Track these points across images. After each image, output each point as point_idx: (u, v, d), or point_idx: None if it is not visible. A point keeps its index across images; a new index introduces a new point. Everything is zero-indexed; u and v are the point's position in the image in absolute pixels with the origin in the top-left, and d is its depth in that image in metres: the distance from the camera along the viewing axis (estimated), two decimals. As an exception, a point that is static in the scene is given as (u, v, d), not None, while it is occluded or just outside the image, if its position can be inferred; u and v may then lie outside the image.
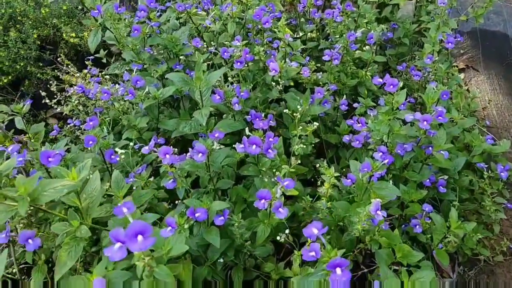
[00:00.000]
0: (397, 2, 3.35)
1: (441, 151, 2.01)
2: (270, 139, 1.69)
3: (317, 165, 2.52)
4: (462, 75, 4.48)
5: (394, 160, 1.97)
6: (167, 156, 1.54)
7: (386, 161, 1.69)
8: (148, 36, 2.38)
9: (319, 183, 2.42)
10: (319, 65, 3.15)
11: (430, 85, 2.25)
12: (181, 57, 2.42)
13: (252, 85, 2.61)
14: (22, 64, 4.00)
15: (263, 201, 1.46)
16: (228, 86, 2.26)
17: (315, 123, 2.01)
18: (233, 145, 2.19)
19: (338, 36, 2.98)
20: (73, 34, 4.17)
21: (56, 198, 1.26)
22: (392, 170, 2.16)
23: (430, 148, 2.05)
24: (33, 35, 4.12)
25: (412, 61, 3.71)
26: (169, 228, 1.39)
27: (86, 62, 2.97)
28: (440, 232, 1.88)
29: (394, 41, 3.59)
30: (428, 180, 2.17)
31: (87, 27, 4.01)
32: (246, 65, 2.25)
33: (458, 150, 2.55)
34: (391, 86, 1.73)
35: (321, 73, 2.89)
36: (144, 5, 2.29)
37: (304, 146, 2.09)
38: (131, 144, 2.15)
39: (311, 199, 2.03)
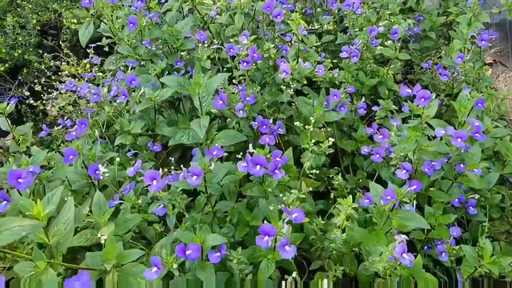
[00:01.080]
0: (424, -8, 3.03)
1: (475, 170, 1.75)
2: (278, 159, 1.45)
3: (331, 175, 2.30)
4: (489, 71, 4.14)
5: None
6: (154, 182, 1.31)
7: (414, 187, 1.44)
8: (146, 28, 2.13)
9: (332, 195, 2.19)
10: (335, 60, 2.87)
11: (463, 91, 1.97)
12: (182, 53, 2.18)
13: (261, 85, 2.37)
14: (20, 52, 3.79)
15: (266, 237, 1.23)
16: (233, 87, 2.02)
17: (330, 139, 1.75)
18: (238, 155, 1.97)
19: (357, 30, 2.69)
20: (75, 20, 3.93)
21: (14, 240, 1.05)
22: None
23: (462, 165, 1.79)
24: (33, 20, 3.89)
25: (437, 56, 3.42)
26: (155, 269, 1.17)
27: (88, 50, 2.73)
28: (471, 265, 1.64)
29: (418, 34, 3.28)
30: (457, 199, 1.92)
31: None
32: (254, 64, 2.00)
33: (487, 158, 2.29)
34: (422, 99, 1.47)
35: (337, 70, 2.61)
36: (141, -6, 2.04)
37: (317, 156, 1.85)
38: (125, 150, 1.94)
39: (323, 222, 1.80)
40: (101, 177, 1.48)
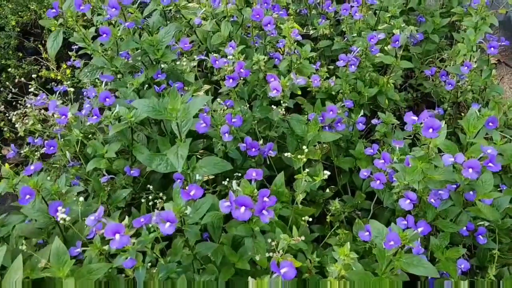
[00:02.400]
0: (426, -8, 2.83)
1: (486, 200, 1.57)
2: (265, 199, 1.26)
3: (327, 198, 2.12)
4: (493, 72, 3.93)
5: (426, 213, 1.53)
6: (117, 236, 1.11)
7: (420, 229, 1.25)
8: (124, 36, 1.93)
9: (328, 218, 2.01)
10: (331, 67, 2.68)
11: (472, 108, 1.79)
12: (163, 65, 1.97)
13: (251, 98, 2.17)
14: (-3, 56, 3.57)
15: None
16: (218, 104, 1.83)
17: (325, 172, 1.56)
18: (224, 181, 1.79)
19: (355, 35, 2.50)
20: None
21: None
22: (420, 215, 1.73)
23: (472, 192, 1.61)
24: (11, 21, 3.66)
25: (440, 58, 3.22)
26: None
27: (70, 53, 2.50)
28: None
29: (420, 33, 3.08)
30: (465, 227, 1.74)
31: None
32: (242, 79, 1.80)
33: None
34: (431, 130, 1.28)
35: (334, 78, 2.42)
36: (115, 1, 1.83)
37: (310, 181, 1.66)
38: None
39: (319, 256, 1.62)
40: (60, 221, 1.29)
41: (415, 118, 1.36)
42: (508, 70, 3.96)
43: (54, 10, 1.75)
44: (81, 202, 1.37)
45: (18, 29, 3.73)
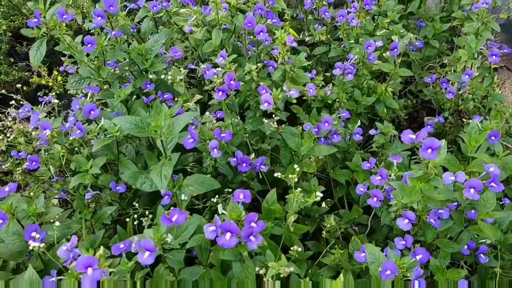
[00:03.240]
0: (426, -4, 2.75)
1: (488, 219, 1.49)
2: (253, 224, 1.18)
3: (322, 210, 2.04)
4: (494, 79, 3.85)
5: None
6: (90, 271, 1.03)
7: (419, 257, 1.17)
8: (110, 47, 1.85)
9: (324, 234, 1.93)
10: (328, 74, 2.60)
11: (474, 120, 1.71)
12: (151, 75, 1.89)
13: (243, 108, 2.09)
14: (-14, 61, 3.49)
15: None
16: (209, 115, 1.75)
17: (318, 193, 1.48)
18: (214, 198, 1.71)
19: (353, 41, 2.41)
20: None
21: None
22: (420, 234, 1.65)
23: (473, 211, 1.53)
24: (2, 26, 3.58)
25: (440, 62, 3.14)
26: None
27: (62, 59, 2.41)
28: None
29: (420, 39, 3.00)
30: (466, 246, 1.66)
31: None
32: (232, 91, 1.72)
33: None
34: (429, 150, 1.20)
35: (330, 86, 2.34)
36: (101, 10, 1.75)
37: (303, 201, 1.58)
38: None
39: (312, 274, 1.54)
40: (35, 248, 1.21)
41: (413, 136, 1.28)
42: (510, 74, 3.88)
43: (35, 20, 1.67)
44: (57, 227, 1.29)
45: (10, 34, 3.66)
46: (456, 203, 1.50)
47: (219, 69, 1.70)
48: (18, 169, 1.96)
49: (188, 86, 2.44)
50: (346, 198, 2.23)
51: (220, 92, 1.67)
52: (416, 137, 1.27)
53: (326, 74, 2.59)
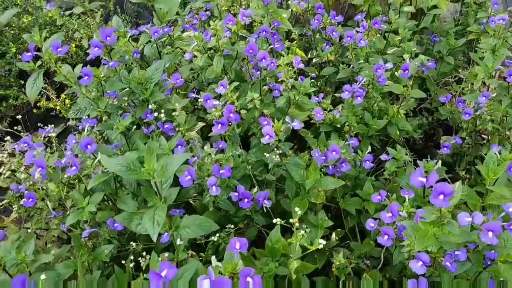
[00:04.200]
0: (438, 12, 2.63)
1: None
2: (248, 279, 1.10)
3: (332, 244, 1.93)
4: None
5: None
6: None
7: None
8: (106, 78, 1.80)
9: (334, 270, 1.82)
10: (338, 94, 2.50)
11: (491, 149, 1.59)
12: (150, 106, 1.83)
13: (248, 133, 2.02)
14: (-4, 84, 3.50)
15: None
16: (209, 148, 1.67)
17: (321, 241, 1.39)
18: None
19: (362, 61, 2.32)
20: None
21: None
22: (435, 275, 1.53)
23: (493, 251, 1.41)
24: (12, 48, 3.60)
25: (456, 77, 3.01)
26: None
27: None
28: None
29: (434, 55, 2.88)
30: None
31: (76, 38, 3.39)
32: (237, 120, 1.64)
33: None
34: (441, 197, 1.10)
35: (339, 108, 2.25)
36: (98, 40, 1.70)
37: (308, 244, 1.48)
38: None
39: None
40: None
41: (423, 180, 1.18)
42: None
43: (29, 54, 1.63)
44: (43, 281, 1.23)
45: (20, 56, 3.67)
46: (473, 245, 1.39)
47: (217, 102, 1.62)
48: (20, 202, 1.92)
49: (194, 109, 2.38)
50: (358, 227, 2.13)
51: (219, 125, 1.60)
52: (427, 180, 1.16)
53: (336, 94, 2.50)
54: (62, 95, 3.20)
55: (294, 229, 1.34)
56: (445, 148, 2.35)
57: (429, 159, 2.35)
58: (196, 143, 1.74)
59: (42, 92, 3.47)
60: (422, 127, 2.78)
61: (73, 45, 3.68)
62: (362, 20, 2.25)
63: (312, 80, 2.50)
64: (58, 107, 3.15)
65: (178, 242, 1.36)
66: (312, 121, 2.14)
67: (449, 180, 2.25)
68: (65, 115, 3.11)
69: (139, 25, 4.21)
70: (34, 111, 3.46)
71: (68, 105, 3.16)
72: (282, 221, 1.47)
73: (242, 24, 1.86)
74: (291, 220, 1.36)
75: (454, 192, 1.10)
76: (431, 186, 1.21)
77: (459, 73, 3.08)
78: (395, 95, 2.63)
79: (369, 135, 2.27)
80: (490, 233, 1.23)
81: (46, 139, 2.01)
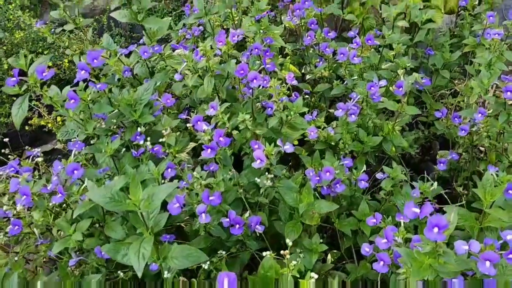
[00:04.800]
0: (432, 26, 2.60)
1: None
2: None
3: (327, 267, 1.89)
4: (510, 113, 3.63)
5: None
6: None
7: None
8: (95, 100, 1.77)
9: None
10: (332, 109, 2.47)
11: (488, 171, 1.55)
12: (140, 129, 1.79)
13: (240, 152, 1.98)
14: (-14, 102, 3.46)
15: None
16: (198, 174, 1.63)
17: (313, 275, 1.34)
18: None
19: (356, 77, 2.28)
20: (50, 63, 3.60)
21: None
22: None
23: (491, 278, 1.36)
24: (4, 65, 3.56)
25: (452, 90, 2.98)
26: None
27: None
28: None
29: (429, 68, 2.85)
30: (485, 312, 1.49)
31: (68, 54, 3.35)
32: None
33: None
34: (436, 229, 1.05)
35: (334, 124, 2.21)
36: (84, 63, 1.67)
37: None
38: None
39: None
40: None
41: (417, 210, 1.14)
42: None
43: (14, 79, 1.60)
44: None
45: (12, 73, 3.63)
46: (471, 272, 1.34)
47: (206, 127, 1.58)
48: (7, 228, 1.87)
49: (186, 126, 2.34)
50: (354, 247, 2.08)
51: (209, 150, 1.56)
52: (421, 211, 1.12)
53: (330, 110, 2.46)
54: (54, 113, 3.16)
55: (285, 260, 1.29)
56: (442, 164, 2.32)
57: (425, 175, 2.34)
58: (186, 167, 1.70)
59: (34, 109, 3.44)
60: (419, 140, 2.74)
61: (66, 60, 3.65)
62: (355, 37, 2.21)
63: (307, 96, 2.49)
64: (49, 125, 3.11)
65: (166, 274, 1.32)
66: (306, 138, 2.11)
67: (446, 196, 2.22)
68: (56, 133, 3.07)
69: (133, 38, 4.18)
70: (26, 128, 3.42)
71: (60, 123, 3.12)
72: (274, 251, 1.43)
73: (232, 44, 1.82)
74: (281, 252, 1.31)
75: (449, 224, 1.06)
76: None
77: (455, 85, 3.05)
78: (391, 110, 2.60)
79: (364, 152, 2.23)
80: (488, 263, 1.19)
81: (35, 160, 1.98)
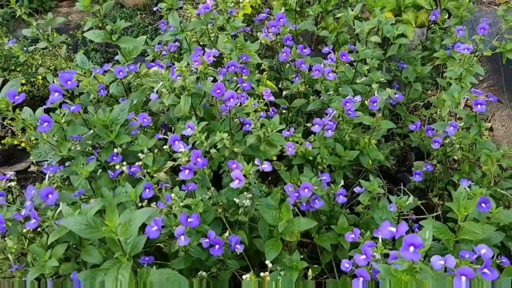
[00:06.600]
0: (404, 41, 2.66)
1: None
2: None
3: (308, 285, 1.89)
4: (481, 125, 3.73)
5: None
6: None
7: None
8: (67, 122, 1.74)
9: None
10: (310, 124, 2.49)
11: (461, 185, 1.59)
12: (116, 150, 1.77)
13: (219, 170, 1.98)
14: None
15: None
16: (177, 195, 1.62)
17: None
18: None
19: (331, 92, 2.32)
20: (23, 80, 3.53)
21: None
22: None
23: (468, 290, 1.39)
24: (-26, 83, 3.48)
25: (425, 101, 3.06)
26: None
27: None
28: None
29: (402, 81, 2.92)
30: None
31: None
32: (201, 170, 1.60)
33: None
34: (411, 248, 1.07)
35: (312, 139, 2.23)
36: (58, 85, 1.65)
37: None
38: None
39: None
40: None
41: (393, 229, 1.16)
42: (499, 106, 3.81)
43: (-16, 103, 1.56)
44: None
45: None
46: None
47: (183, 149, 1.57)
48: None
49: (164, 143, 2.33)
50: (335, 261, 2.09)
51: (187, 171, 1.55)
52: (397, 230, 1.14)
53: (308, 124, 2.49)
54: (28, 132, 3.09)
55: (265, 282, 1.29)
56: (417, 176, 2.36)
57: (402, 187, 2.38)
58: (164, 187, 1.69)
59: (7, 128, 3.36)
60: (395, 152, 2.79)
61: (40, 77, 3.58)
62: (330, 53, 2.25)
63: (284, 111, 2.51)
64: (23, 144, 3.04)
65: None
66: (285, 154, 2.12)
67: (422, 207, 2.26)
68: (31, 152, 3.00)
69: (109, 53, 4.14)
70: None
71: (34, 142, 3.06)
72: (255, 268, 1.43)
73: (208, 64, 1.82)
74: (261, 274, 1.31)
75: (425, 243, 1.08)
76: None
77: (428, 96, 3.13)
78: (367, 125, 2.65)
79: (342, 166, 2.26)
80: (463, 278, 1.21)
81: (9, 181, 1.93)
